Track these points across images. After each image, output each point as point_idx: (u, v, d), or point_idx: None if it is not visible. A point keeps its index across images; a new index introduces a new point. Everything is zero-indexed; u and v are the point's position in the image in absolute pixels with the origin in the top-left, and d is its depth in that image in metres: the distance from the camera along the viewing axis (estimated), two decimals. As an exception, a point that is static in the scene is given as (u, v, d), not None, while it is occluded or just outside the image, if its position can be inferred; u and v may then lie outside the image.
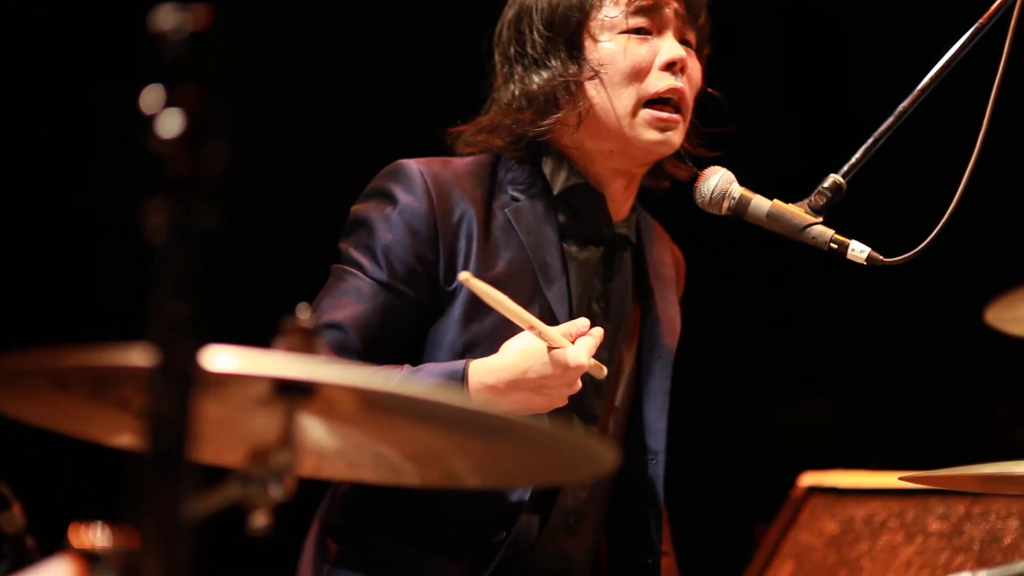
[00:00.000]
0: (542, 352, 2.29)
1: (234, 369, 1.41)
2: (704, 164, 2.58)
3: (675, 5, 2.58)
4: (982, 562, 3.09)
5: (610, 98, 2.57)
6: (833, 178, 2.47)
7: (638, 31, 2.57)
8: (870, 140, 2.46)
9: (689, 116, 2.61)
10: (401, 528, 2.53)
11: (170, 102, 1.22)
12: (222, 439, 1.57)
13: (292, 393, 1.48)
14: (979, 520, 3.16)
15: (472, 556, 2.51)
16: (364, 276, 2.50)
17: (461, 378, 2.34)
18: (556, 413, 2.39)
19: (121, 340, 1.40)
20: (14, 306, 3.73)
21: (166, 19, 1.21)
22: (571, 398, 2.36)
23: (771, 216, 2.49)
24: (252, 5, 3.41)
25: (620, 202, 2.67)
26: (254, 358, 1.42)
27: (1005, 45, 2.41)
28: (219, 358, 1.38)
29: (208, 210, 1.21)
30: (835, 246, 2.45)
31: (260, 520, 1.47)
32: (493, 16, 2.69)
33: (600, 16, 2.57)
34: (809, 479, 3.40)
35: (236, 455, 1.51)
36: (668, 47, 2.56)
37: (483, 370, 2.34)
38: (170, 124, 1.21)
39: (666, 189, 2.74)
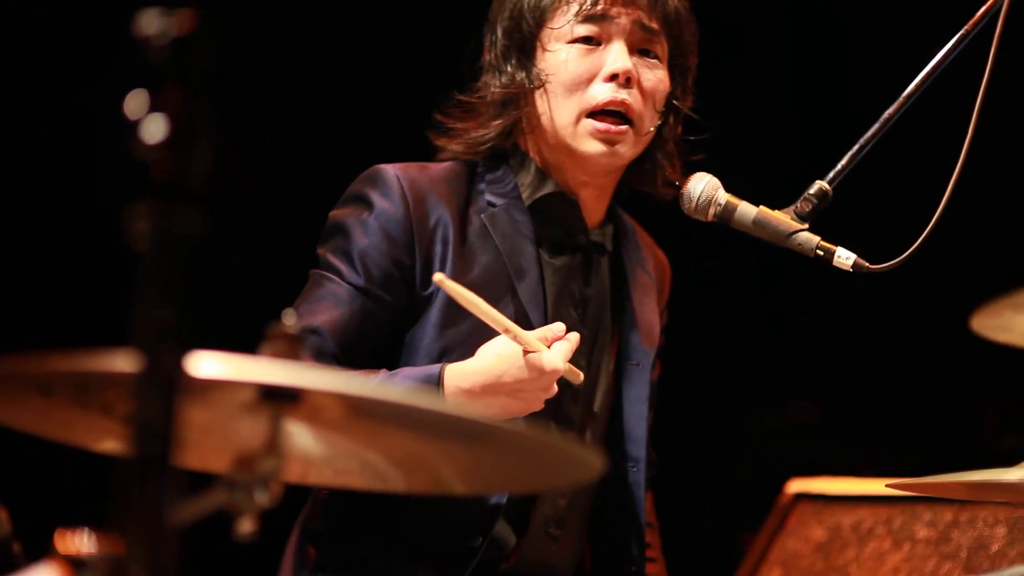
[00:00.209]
0: (518, 356, 2.28)
1: (219, 375, 1.40)
2: (691, 170, 2.58)
3: (632, 13, 2.54)
4: (969, 569, 3.10)
5: (552, 108, 2.55)
6: (819, 184, 2.47)
7: (586, 40, 2.54)
8: (856, 147, 2.47)
9: (646, 126, 2.56)
10: (380, 533, 2.53)
11: (154, 107, 1.21)
12: (208, 445, 1.57)
13: (278, 399, 1.48)
14: (967, 527, 3.16)
15: (449, 561, 2.51)
16: (341, 281, 2.50)
17: (437, 382, 2.34)
18: (533, 418, 2.37)
19: (106, 346, 1.39)
20: (-2, 311, 3.72)
21: (150, 24, 1.21)
22: (548, 404, 2.35)
23: (757, 223, 2.49)
24: (244, 6, 3.41)
25: (592, 210, 2.66)
26: (239, 364, 1.42)
27: (991, 52, 2.41)
28: (204, 364, 1.37)
29: (193, 215, 1.21)
30: (821, 253, 2.45)
31: (246, 526, 1.47)
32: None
33: (550, 26, 2.56)
34: (797, 486, 3.40)
35: (222, 461, 1.50)
36: (613, 57, 2.53)
37: (459, 374, 2.34)
38: (154, 129, 1.21)
39: (656, 193, 2.72)
